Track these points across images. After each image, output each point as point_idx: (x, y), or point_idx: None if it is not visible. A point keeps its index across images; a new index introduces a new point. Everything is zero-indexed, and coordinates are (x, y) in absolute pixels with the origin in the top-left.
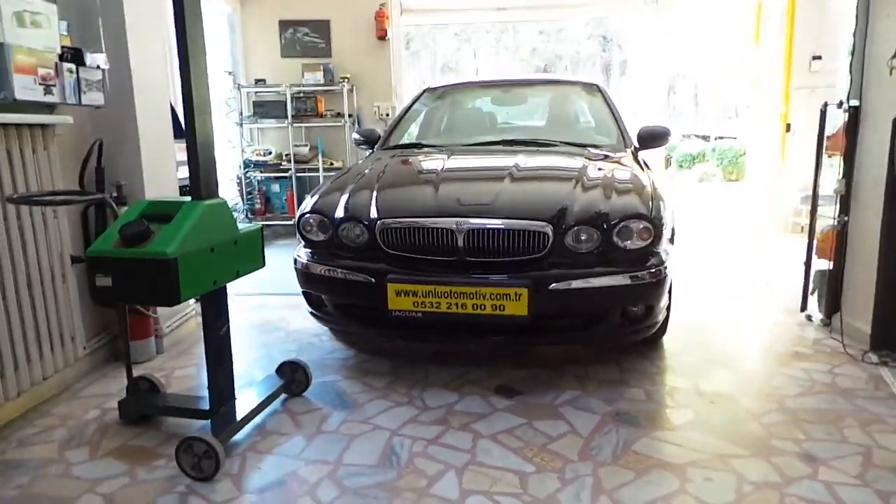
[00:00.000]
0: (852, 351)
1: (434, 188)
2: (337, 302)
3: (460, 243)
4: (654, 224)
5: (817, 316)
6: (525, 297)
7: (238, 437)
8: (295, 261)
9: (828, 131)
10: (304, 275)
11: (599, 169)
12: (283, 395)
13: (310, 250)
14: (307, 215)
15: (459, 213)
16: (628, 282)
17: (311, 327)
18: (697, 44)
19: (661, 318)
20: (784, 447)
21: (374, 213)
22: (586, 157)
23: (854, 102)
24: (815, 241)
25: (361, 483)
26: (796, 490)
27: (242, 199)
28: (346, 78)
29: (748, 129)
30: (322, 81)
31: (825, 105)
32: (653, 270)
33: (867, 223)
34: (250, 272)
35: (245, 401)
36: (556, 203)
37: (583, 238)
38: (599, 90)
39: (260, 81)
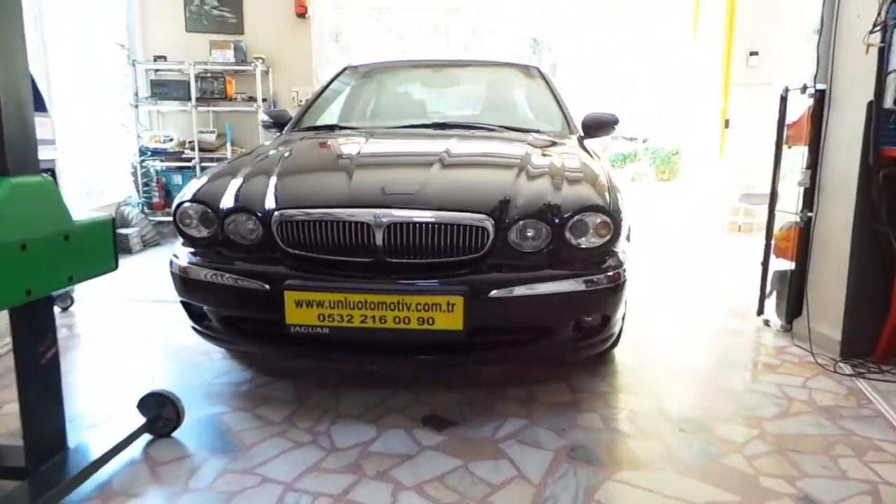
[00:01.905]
0: (822, 360)
1: (348, 174)
2: (223, 315)
3: (379, 241)
4: (613, 218)
5: (776, 321)
6: (460, 307)
7: (70, 501)
8: (171, 262)
9: (788, 119)
10: (182, 280)
11: (545, 156)
12: (146, 437)
13: (190, 250)
14: (186, 205)
15: (378, 202)
16: (583, 287)
17: (200, 343)
18: (629, 44)
19: (617, 329)
20: (778, 488)
21: (270, 203)
22: (529, 143)
23: (821, 86)
24: (772, 240)
25: None
26: None
27: (138, 192)
28: (260, 58)
29: (684, 127)
30: (232, 61)
31: (786, 90)
32: (611, 274)
33: (835, 219)
34: (93, 276)
35: (83, 452)
36: (497, 193)
37: (530, 235)
38: (540, 73)
39: (160, 58)
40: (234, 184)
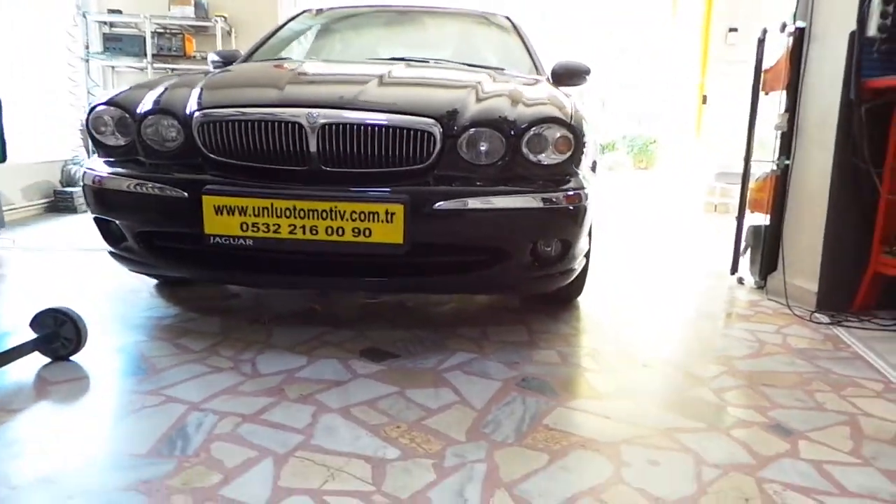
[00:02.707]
0: (798, 312)
1: (281, 82)
2: (139, 230)
3: (313, 146)
4: (575, 133)
5: (750, 279)
6: (400, 217)
7: None
8: (83, 175)
9: (765, 65)
10: (96, 194)
11: (505, 83)
12: (43, 361)
13: (105, 159)
14: (101, 108)
15: (312, 101)
16: (540, 205)
17: (128, 282)
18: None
19: (579, 264)
20: (747, 417)
21: (193, 105)
22: (489, 75)
23: (800, 24)
24: (747, 193)
25: (109, 483)
26: (777, 474)
27: (87, 153)
28: (222, 16)
29: (662, 109)
30: (192, 17)
31: (764, 32)
32: (571, 194)
33: (814, 164)
34: None
35: None
36: (445, 101)
37: (482, 146)
38: (511, 23)
39: (115, 11)
40: (156, 91)
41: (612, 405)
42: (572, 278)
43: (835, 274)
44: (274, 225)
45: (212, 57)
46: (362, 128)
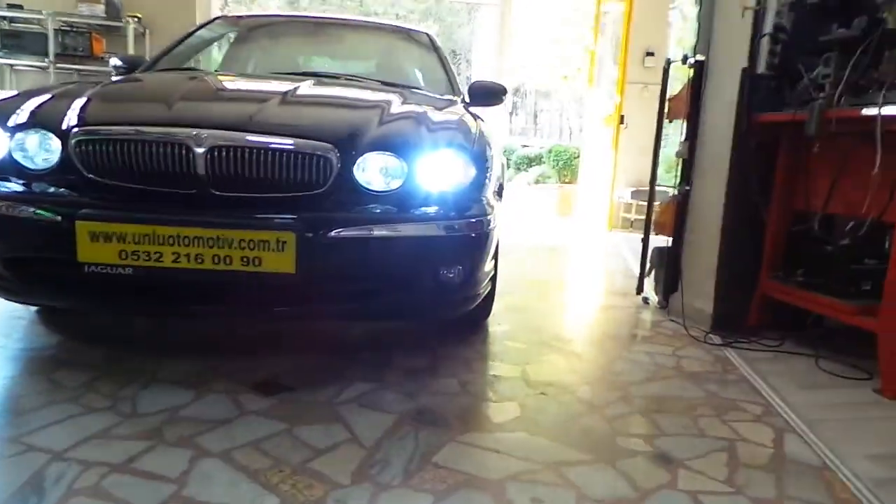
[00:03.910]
0: (694, 332)
1: (172, 98)
2: (8, 256)
3: (201, 169)
4: (477, 161)
5: (654, 298)
6: (291, 246)
7: None
8: None
9: (670, 94)
10: None
11: (416, 104)
12: None
13: None
14: None
15: (201, 121)
16: (441, 233)
17: (12, 307)
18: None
19: (482, 289)
20: (634, 447)
21: (72, 120)
22: (400, 94)
23: (700, 57)
24: (653, 215)
25: None
26: None
27: None
28: (135, 17)
29: (583, 128)
30: (103, 16)
31: (668, 62)
32: (473, 221)
33: (710, 191)
34: None
35: None
36: (344, 123)
37: (381, 171)
38: (430, 40)
39: (15, 7)
40: (34, 102)
41: (505, 438)
42: (476, 303)
43: (728, 296)
44: (156, 253)
45: (114, 61)
46: (254, 151)
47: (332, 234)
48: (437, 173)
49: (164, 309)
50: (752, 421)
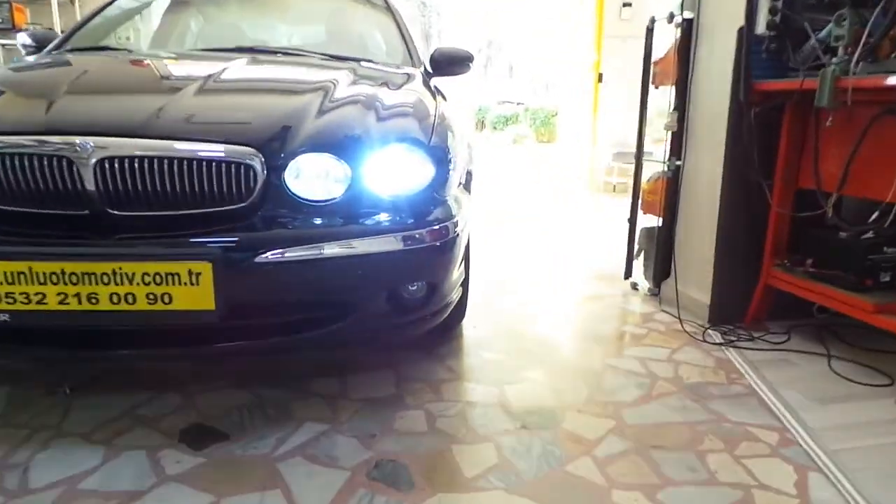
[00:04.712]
0: (690, 327)
1: (54, 95)
2: None
3: (91, 184)
4: (436, 156)
5: (644, 284)
6: (208, 277)
7: None
8: None
9: (654, 57)
10: None
11: (368, 83)
12: None
13: None
14: None
15: (85, 126)
16: (398, 246)
17: None
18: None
19: (452, 299)
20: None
21: None
22: (350, 71)
23: (688, 14)
24: (640, 193)
25: None
26: None
27: None
28: None
29: (562, 86)
30: None
31: (652, 21)
32: (436, 228)
33: (705, 166)
34: None
35: None
36: (272, 120)
37: (319, 177)
38: (386, 2)
39: None
40: None
41: (477, 499)
42: (444, 316)
43: (727, 285)
44: (37, 294)
45: (21, 39)
46: (154, 161)
47: (260, 258)
48: (389, 175)
49: (57, 352)
50: (768, 455)
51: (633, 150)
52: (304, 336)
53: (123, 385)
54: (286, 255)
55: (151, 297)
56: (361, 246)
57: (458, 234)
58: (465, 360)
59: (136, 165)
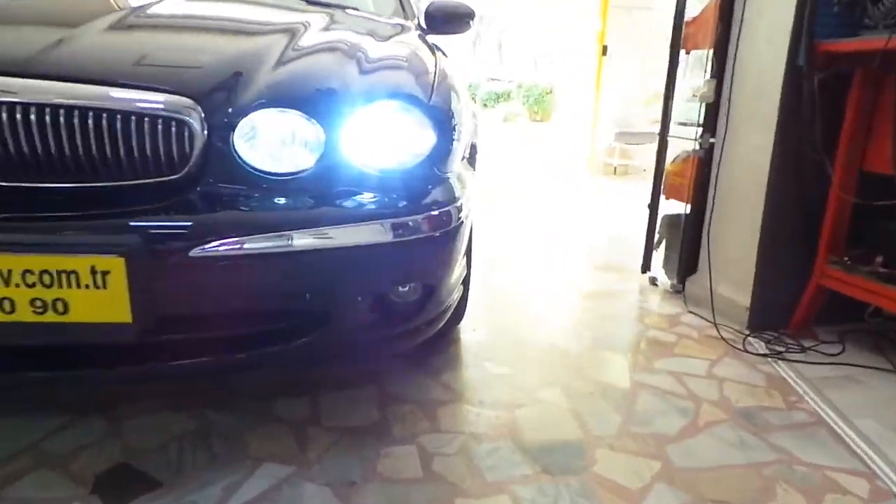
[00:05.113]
0: (727, 333)
1: None
2: None
3: None
4: (438, 119)
5: (664, 280)
6: (120, 278)
7: None
8: None
9: (687, 15)
10: None
11: (346, 30)
12: None
13: None
14: None
15: None
16: (386, 237)
17: None
18: None
19: (451, 302)
20: None
21: None
22: (325, 15)
23: None
24: (663, 175)
25: None
26: None
27: None
28: None
29: (559, 61)
30: None
31: None
32: (435, 214)
33: (748, 147)
34: None
35: None
36: (217, 62)
37: (282, 141)
38: None
39: None
40: None
41: None
42: (441, 324)
43: (771, 285)
44: None
45: None
46: (47, 109)
47: (198, 251)
48: (376, 141)
49: None
50: None
51: (637, 130)
52: (261, 352)
53: (34, 404)
54: (235, 246)
55: (39, 304)
56: (339, 236)
57: (462, 222)
58: (464, 373)
59: (18, 116)
